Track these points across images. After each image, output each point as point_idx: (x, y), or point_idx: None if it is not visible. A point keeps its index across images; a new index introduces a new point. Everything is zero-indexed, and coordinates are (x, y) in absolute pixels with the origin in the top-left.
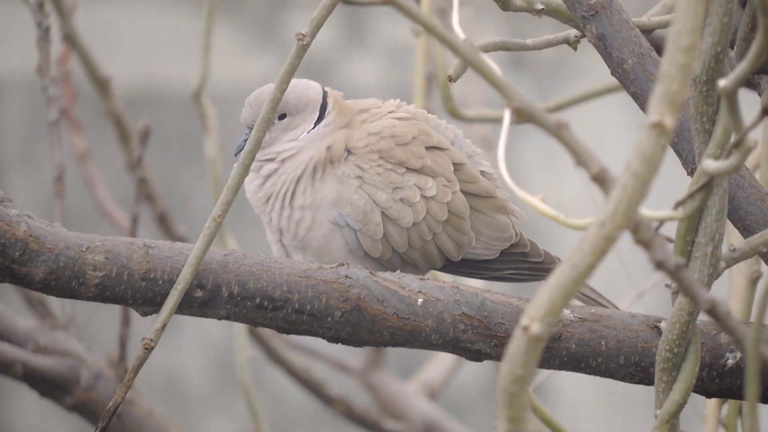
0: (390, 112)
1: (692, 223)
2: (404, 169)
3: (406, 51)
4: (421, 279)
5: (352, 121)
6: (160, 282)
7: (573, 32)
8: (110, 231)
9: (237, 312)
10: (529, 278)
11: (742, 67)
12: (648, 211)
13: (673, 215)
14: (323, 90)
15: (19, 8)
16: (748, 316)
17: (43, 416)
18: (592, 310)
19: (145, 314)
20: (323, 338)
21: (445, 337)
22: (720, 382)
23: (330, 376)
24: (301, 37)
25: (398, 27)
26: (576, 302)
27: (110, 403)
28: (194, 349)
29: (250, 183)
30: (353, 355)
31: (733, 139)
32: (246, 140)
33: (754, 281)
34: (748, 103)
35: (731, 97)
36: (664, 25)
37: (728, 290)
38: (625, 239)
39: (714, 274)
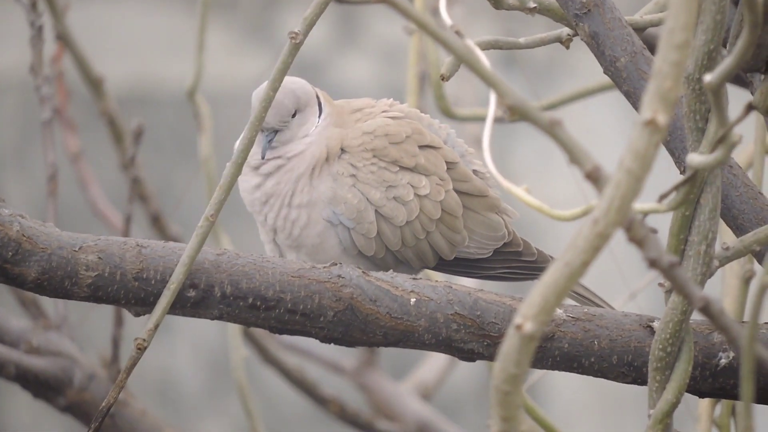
0: (383, 112)
1: (685, 222)
2: (398, 168)
3: (398, 50)
4: (414, 278)
5: (346, 120)
6: (153, 282)
7: (565, 30)
8: (104, 231)
9: (230, 312)
10: (522, 277)
11: (727, 62)
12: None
13: (657, 208)
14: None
15: (12, 7)
16: (742, 316)
17: (36, 417)
18: (585, 310)
19: (137, 314)
20: (316, 338)
21: (437, 337)
22: (713, 381)
23: (323, 376)
24: (294, 35)
25: (391, 26)
26: (569, 302)
27: (103, 404)
28: (188, 350)
29: (246, 182)
30: (346, 356)
31: (719, 134)
32: (270, 140)
33: (747, 280)
34: (744, 101)
35: (717, 92)
36: (657, 24)
37: (721, 289)
38: (618, 237)
39: (707, 273)
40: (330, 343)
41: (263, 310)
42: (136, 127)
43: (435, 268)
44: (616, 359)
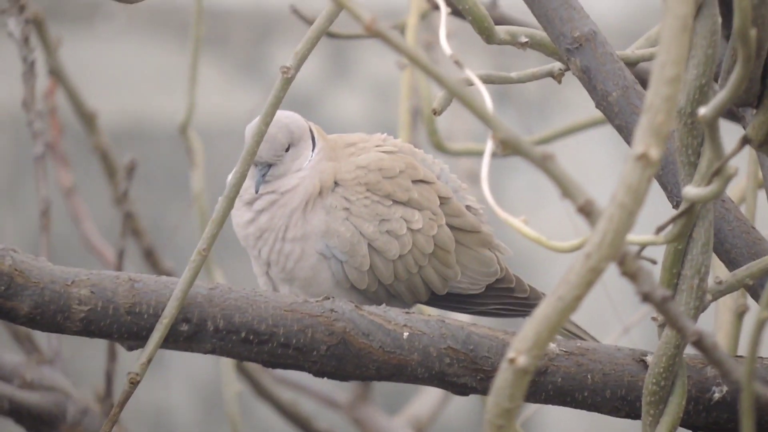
0: (377, 146)
1: (678, 256)
2: (391, 202)
3: (390, 84)
4: (407, 313)
5: (339, 154)
6: (146, 316)
7: (557, 65)
8: (96, 265)
9: (222, 346)
10: (514, 314)
11: (721, 96)
12: (629, 235)
13: (654, 240)
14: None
15: (4, 42)
16: (735, 350)
17: None
18: (578, 344)
19: (130, 349)
20: (309, 372)
21: (430, 371)
22: (707, 415)
23: (317, 411)
24: (285, 70)
25: (383, 60)
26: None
27: None
28: (181, 384)
29: (239, 216)
30: (340, 390)
31: (713, 167)
32: (263, 175)
33: (740, 315)
34: (736, 136)
35: (711, 125)
36: (648, 58)
37: (714, 324)
38: (612, 271)
39: (700, 307)
40: (323, 377)
41: (256, 344)
42: (128, 162)
43: (427, 303)
44: (609, 393)
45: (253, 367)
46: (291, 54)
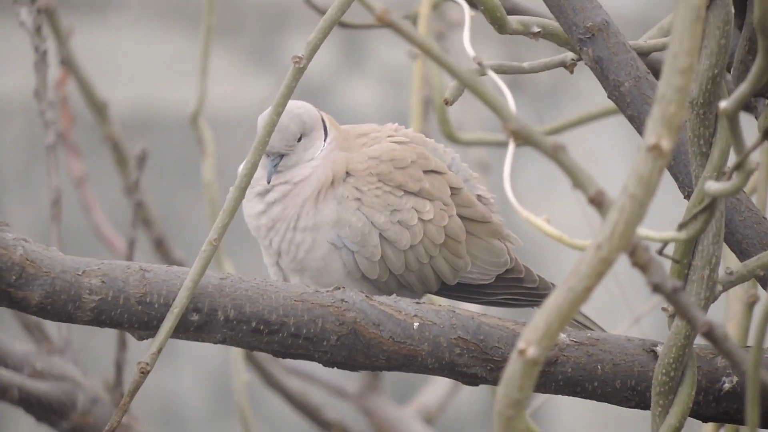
0: (389, 136)
1: (689, 246)
2: (402, 192)
3: (402, 74)
4: (417, 303)
5: (351, 144)
6: (156, 306)
7: (570, 55)
8: (107, 255)
9: (233, 336)
10: (523, 304)
11: (743, 89)
12: (650, 232)
13: (676, 237)
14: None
15: (16, 32)
16: (745, 340)
17: None
18: (588, 334)
19: (141, 338)
20: (319, 362)
21: (441, 361)
22: (716, 406)
23: (326, 400)
24: (297, 60)
25: (395, 50)
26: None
27: (106, 428)
28: (191, 374)
29: (251, 207)
30: (350, 380)
31: (733, 160)
32: (275, 165)
33: (750, 305)
34: (745, 125)
35: (732, 118)
36: (661, 48)
37: (725, 314)
38: (622, 262)
39: (711, 298)
40: (333, 367)
41: (266, 334)
42: (139, 151)
43: (437, 293)
44: (619, 384)
45: (263, 357)
46: (303, 44)
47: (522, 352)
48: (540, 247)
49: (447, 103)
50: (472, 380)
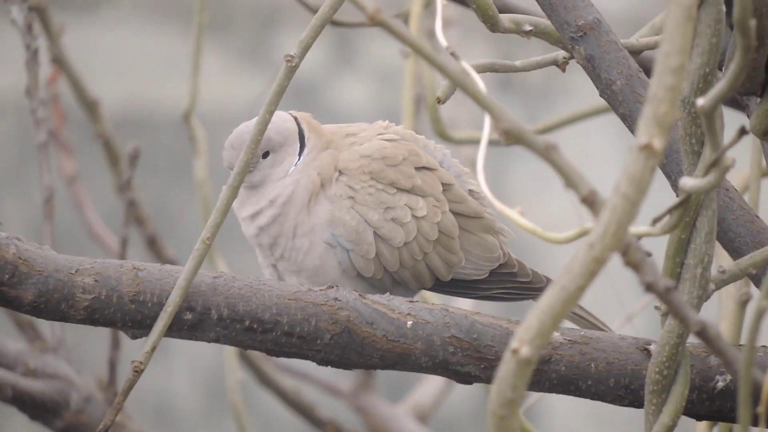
0: (379, 134)
1: (681, 245)
2: (395, 190)
3: (394, 72)
4: (411, 301)
5: (339, 144)
6: (150, 304)
7: (561, 54)
8: (100, 253)
9: (226, 335)
10: (517, 297)
11: (720, 86)
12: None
13: (651, 231)
14: (294, 117)
15: (7, 30)
16: (738, 339)
17: None
18: (582, 333)
19: (134, 337)
20: (312, 361)
21: (434, 360)
22: (710, 404)
23: (320, 398)
24: (289, 58)
25: (387, 48)
26: (566, 323)
27: (100, 427)
28: (184, 372)
29: (246, 230)
30: (343, 378)
31: (711, 157)
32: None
33: (743, 304)
34: (741, 124)
35: (709, 115)
36: (653, 47)
37: (718, 313)
38: (615, 261)
39: (703, 296)
40: (327, 366)
41: (260, 333)
42: (131, 149)
43: (431, 289)
44: (612, 382)
45: (256, 355)
46: (295, 42)
47: (515, 352)
48: (533, 241)
49: (439, 101)
50: (465, 379)
